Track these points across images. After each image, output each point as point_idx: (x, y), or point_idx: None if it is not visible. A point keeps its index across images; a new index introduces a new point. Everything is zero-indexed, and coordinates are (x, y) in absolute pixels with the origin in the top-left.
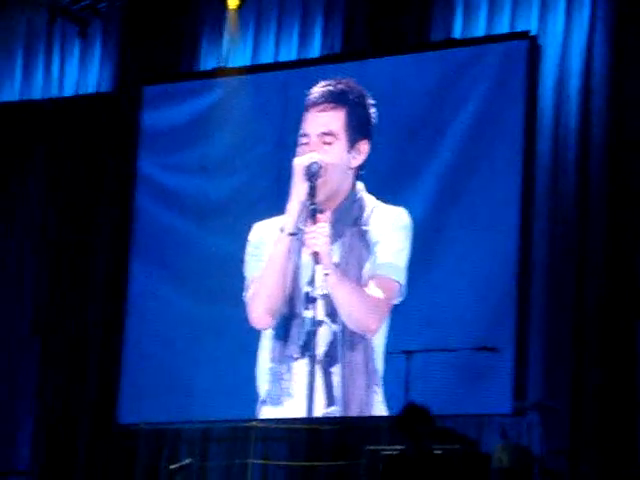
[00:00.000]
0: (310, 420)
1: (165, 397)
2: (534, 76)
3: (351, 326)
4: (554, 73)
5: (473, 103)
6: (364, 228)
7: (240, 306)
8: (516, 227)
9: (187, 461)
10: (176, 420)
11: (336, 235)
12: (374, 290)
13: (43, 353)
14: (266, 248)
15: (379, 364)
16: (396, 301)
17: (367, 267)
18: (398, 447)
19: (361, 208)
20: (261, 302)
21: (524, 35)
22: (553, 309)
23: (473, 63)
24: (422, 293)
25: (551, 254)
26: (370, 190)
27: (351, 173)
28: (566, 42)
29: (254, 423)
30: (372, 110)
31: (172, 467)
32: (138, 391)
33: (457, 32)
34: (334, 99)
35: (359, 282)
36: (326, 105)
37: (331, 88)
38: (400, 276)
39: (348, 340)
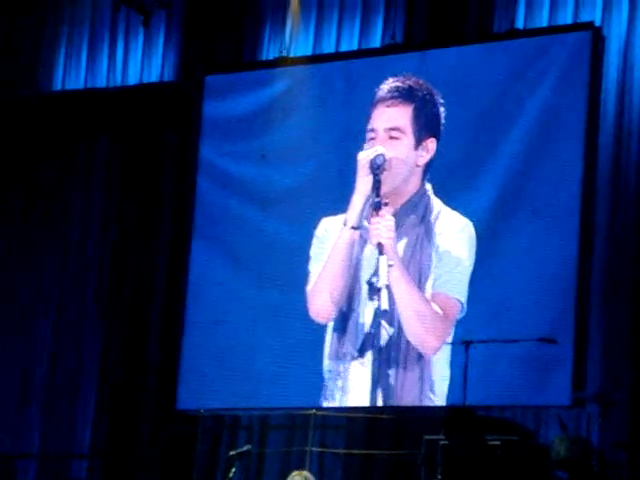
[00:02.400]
0: (369, 409)
1: (225, 383)
2: (598, 68)
3: (410, 337)
4: (618, 64)
5: (538, 95)
6: (429, 231)
7: (301, 295)
8: (577, 220)
9: (246, 447)
10: (235, 407)
11: (401, 234)
12: (438, 306)
13: (106, 338)
14: (329, 242)
15: (437, 381)
16: (457, 318)
17: (428, 280)
18: None
19: (427, 209)
20: (322, 295)
21: (588, 26)
22: (613, 301)
23: (538, 55)
24: (484, 285)
25: (611, 247)
26: (437, 192)
27: (418, 171)
28: (630, 33)
29: (313, 411)
30: (441, 109)
31: (231, 453)
32: (198, 377)
33: (520, 23)
34: (402, 95)
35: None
36: (394, 100)
37: (399, 84)
38: (463, 295)
39: (406, 346)
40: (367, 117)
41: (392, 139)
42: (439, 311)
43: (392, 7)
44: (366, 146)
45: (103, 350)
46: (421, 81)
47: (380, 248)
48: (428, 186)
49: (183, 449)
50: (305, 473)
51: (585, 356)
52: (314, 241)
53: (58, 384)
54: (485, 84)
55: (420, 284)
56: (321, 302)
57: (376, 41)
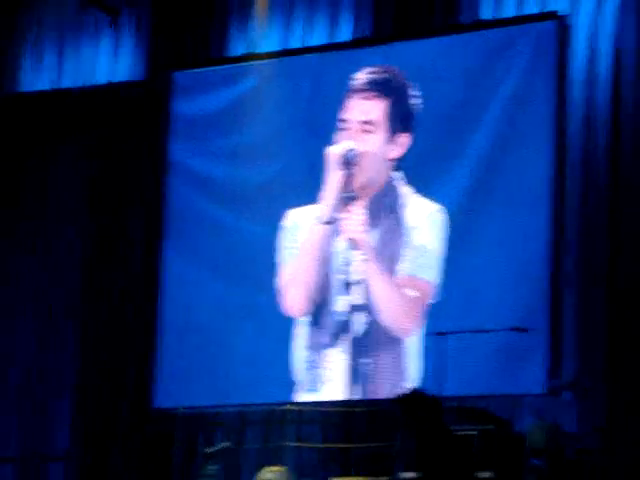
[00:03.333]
0: (344, 402)
1: (201, 381)
2: (564, 57)
3: (385, 322)
4: (584, 53)
5: (505, 86)
6: (400, 220)
7: (274, 292)
8: (548, 208)
9: (223, 444)
10: (212, 404)
11: (374, 223)
12: (409, 289)
13: (79, 339)
14: (300, 235)
15: (411, 365)
16: (430, 301)
17: (402, 264)
18: None
19: (396, 199)
20: (295, 290)
21: (553, 15)
22: (586, 288)
23: (505, 45)
24: (456, 276)
25: (583, 234)
26: (409, 180)
27: (389, 164)
28: (596, 22)
29: (288, 406)
30: (415, 102)
31: (209, 450)
32: (174, 375)
33: (486, 14)
34: (378, 88)
35: (392, 274)
36: (369, 93)
37: (375, 76)
38: (435, 277)
39: (381, 335)
40: (339, 106)
41: (365, 132)
42: (413, 294)
43: (359, 0)
44: (338, 135)
45: (78, 350)
46: (396, 71)
47: (352, 243)
48: (397, 175)
49: (160, 448)
50: (276, 468)
51: (559, 344)
52: (281, 233)
53: (33, 386)
54: (453, 75)
55: (392, 270)
56: (294, 297)
57: (344, 35)
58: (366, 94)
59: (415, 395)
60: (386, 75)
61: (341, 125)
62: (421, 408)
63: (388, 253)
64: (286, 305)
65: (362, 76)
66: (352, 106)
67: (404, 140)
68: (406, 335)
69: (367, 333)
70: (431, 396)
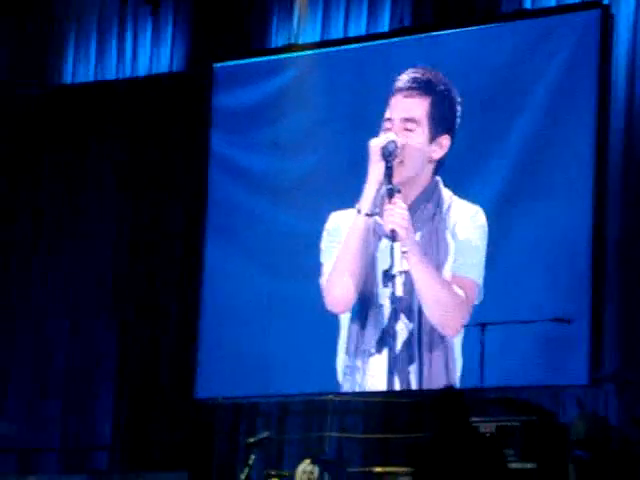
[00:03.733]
0: (386, 393)
1: (242, 372)
2: (607, 46)
3: (432, 319)
4: (627, 42)
5: (547, 76)
6: (443, 223)
7: (314, 284)
8: (590, 199)
9: (264, 434)
10: (253, 394)
11: (417, 226)
12: (456, 288)
13: (122, 331)
14: (341, 236)
15: (458, 364)
16: (476, 302)
17: (446, 265)
18: (473, 419)
19: (440, 201)
20: (337, 285)
21: (596, 4)
22: (628, 279)
23: (546, 35)
24: (498, 266)
25: (624, 224)
26: (446, 181)
27: (431, 166)
28: (639, 11)
29: (330, 397)
30: (458, 107)
31: (250, 440)
32: (215, 366)
33: (528, 2)
34: (420, 87)
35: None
36: (411, 92)
37: (418, 75)
38: (480, 278)
39: (426, 340)
40: (382, 105)
41: (407, 130)
42: (460, 293)
43: None
44: (381, 134)
45: (120, 342)
46: (440, 75)
47: (394, 234)
48: (438, 178)
49: (202, 437)
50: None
51: (601, 335)
52: (324, 235)
53: (76, 376)
54: (493, 66)
55: (438, 270)
56: (338, 292)
57: (384, 26)
58: (408, 92)
59: (445, 394)
60: (429, 75)
61: (385, 125)
62: (447, 407)
63: (432, 252)
64: (329, 301)
65: (405, 76)
66: (395, 105)
67: (445, 142)
68: (453, 334)
69: (410, 341)
70: (461, 396)
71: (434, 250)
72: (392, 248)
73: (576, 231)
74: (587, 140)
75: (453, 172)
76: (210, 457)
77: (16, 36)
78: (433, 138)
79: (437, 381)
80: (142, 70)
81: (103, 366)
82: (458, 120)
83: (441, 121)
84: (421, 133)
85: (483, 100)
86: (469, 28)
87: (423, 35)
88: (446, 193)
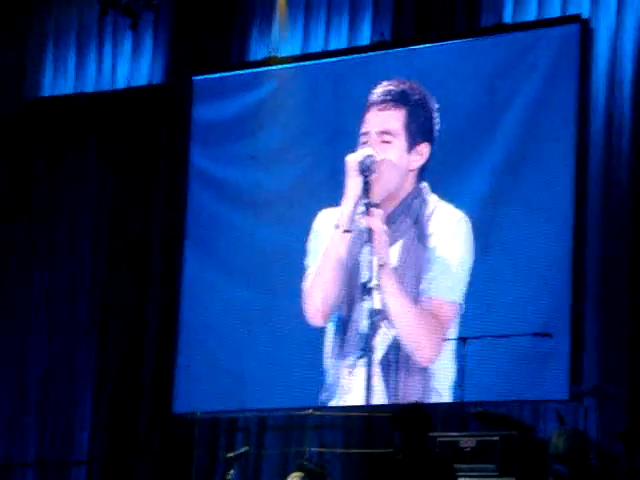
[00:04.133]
0: (366, 408)
1: (220, 386)
2: (587, 60)
3: (407, 348)
4: (607, 57)
5: (527, 89)
6: (423, 232)
7: (293, 297)
8: (571, 212)
9: (244, 449)
10: (232, 409)
11: (395, 237)
12: (434, 313)
13: (100, 344)
14: (324, 238)
15: (435, 372)
16: (455, 322)
17: (427, 283)
18: (453, 434)
19: (421, 209)
20: (317, 299)
21: (576, 19)
22: (609, 293)
23: (526, 49)
24: (479, 280)
25: (605, 239)
26: (434, 189)
27: (412, 175)
28: (619, 24)
29: (310, 411)
30: (435, 114)
31: (229, 455)
32: (194, 380)
33: (508, 17)
34: (394, 98)
35: (415, 295)
36: (386, 104)
37: (393, 88)
38: (460, 295)
39: (404, 353)
40: (359, 119)
41: (384, 143)
42: (438, 319)
43: (379, 4)
44: (358, 149)
45: (98, 355)
46: (415, 85)
47: (370, 234)
48: (424, 184)
49: (181, 452)
50: (298, 473)
51: (582, 349)
52: (312, 235)
53: (54, 391)
54: (474, 79)
55: (417, 288)
56: (317, 305)
57: (364, 39)
58: (383, 105)
59: (405, 409)
60: (403, 86)
61: (362, 139)
62: (407, 422)
63: (411, 267)
64: (309, 313)
65: (380, 89)
66: (370, 118)
67: (424, 149)
68: (428, 363)
69: (390, 347)
70: (423, 412)
71: (412, 263)
72: (370, 261)
73: (557, 246)
74: (567, 154)
75: (439, 181)
76: (189, 472)
77: None
78: (411, 148)
79: (414, 394)
80: (121, 82)
81: (81, 380)
82: (437, 127)
83: (418, 130)
84: (399, 144)
85: (464, 112)
86: (449, 42)
87: (403, 49)
88: (432, 198)
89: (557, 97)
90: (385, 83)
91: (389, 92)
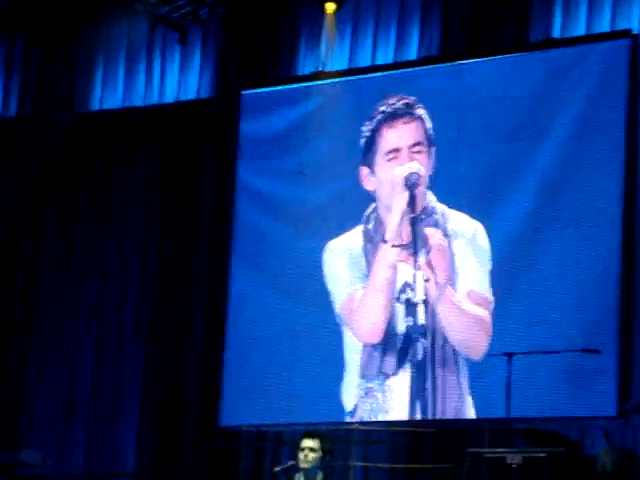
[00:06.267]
0: (412, 423)
1: (266, 399)
2: (636, 75)
3: (457, 344)
4: None
5: (575, 105)
6: (447, 236)
7: (334, 313)
8: (619, 228)
9: (290, 463)
10: (277, 422)
11: (421, 245)
12: (472, 305)
13: (147, 358)
14: (357, 264)
15: (476, 386)
16: (490, 318)
17: (458, 281)
18: (500, 450)
19: (436, 218)
20: (369, 316)
21: (626, 34)
22: None
23: (575, 64)
24: (524, 295)
25: None
26: (442, 199)
27: (427, 182)
28: None
29: (356, 425)
30: (429, 118)
31: (276, 469)
32: (240, 394)
33: (556, 32)
34: (412, 111)
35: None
36: (408, 117)
37: (405, 101)
38: (490, 291)
39: (440, 353)
40: (377, 138)
41: (416, 153)
42: (479, 312)
43: (427, 19)
44: (389, 164)
45: (145, 369)
46: (412, 97)
47: (416, 265)
48: (430, 194)
49: (227, 466)
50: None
51: (630, 366)
52: (324, 264)
53: (101, 404)
54: (521, 95)
55: (452, 287)
56: (370, 323)
57: (412, 54)
58: (405, 118)
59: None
60: (411, 98)
61: (390, 155)
62: None
63: (443, 272)
64: (361, 334)
65: (394, 103)
66: (396, 133)
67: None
68: (478, 355)
69: (430, 357)
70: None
71: (443, 266)
72: (414, 276)
73: (604, 259)
74: (616, 167)
75: (475, 196)
76: None
77: (45, 61)
78: (430, 156)
79: (451, 400)
80: (170, 97)
81: (128, 394)
82: (432, 132)
83: (429, 137)
84: (425, 154)
85: (508, 129)
86: (498, 57)
87: (450, 64)
88: (440, 206)
89: (605, 113)
90: (392, 98)
91: (407, 105)
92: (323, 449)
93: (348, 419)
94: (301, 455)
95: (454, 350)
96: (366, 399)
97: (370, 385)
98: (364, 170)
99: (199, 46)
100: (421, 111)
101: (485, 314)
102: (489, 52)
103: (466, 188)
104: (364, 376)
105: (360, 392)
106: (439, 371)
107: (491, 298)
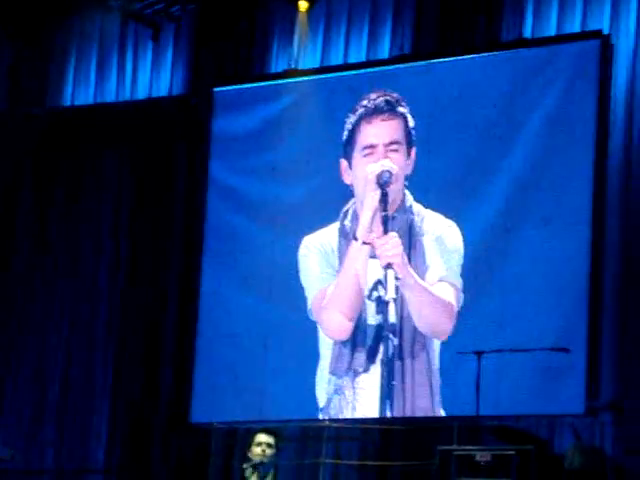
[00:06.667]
0: (383, 420)
1: (237, 397)
2: (607, 76)
3: (424, 329)
4: (626, 72)
5: (546, 104)
6: (419, 231)
7: (307, 309)
8: (588, 227)
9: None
10: (248, 419)
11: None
12: (443, 293)
13: (117, 353)
14: (328, 260)
15: (446, 384)
16: (457, 308)
17: (428, 273)
18: (469, 447)
19: (412, 217)
20: (339, 312)
21: (596, 34)
22: (626, 307)
23: (546, 64)
24: (493, 293)
25: (623, 253)
26: (418, 199)
27: (403, 181)
28: (638, 41)
29: (326, 423)
30: (411, 117)
31: (245, 466)
32: (210, 391)
33: (528, 32)
34: (393, 108)
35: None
36: (389, 114)
37: (387, 97)
38: (460, 282)
39: (409, 351)
40: (356, 132)
41: (392, 152)
42: (448, 299)
43: (400, 18)
44: (364, 160)
45: (115, 365)
46: (396, 94)
47: (389, 267)
48: (407, 193)
49: (197, 462)
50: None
51: (598, 364)
52: (299, 259)
53: (71, 400)
54: (491, 94)
55: (422, 278)
56: (338, 321)
57: (384, 52)
58: (384, 115)
59: None
60: (395, 96)
61: (366, 151)
62: None
63: (415, 267)
64: (329, 330)
65: (376, 100)
66: (373, 130)
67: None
68: (445, 336)
69: (395, 356)
70: None
71: (415, 262)
72: (386, 275)
73: (574, 258)
74: (586, 167)
75: (444, 195)
76: None
77: (16, 57)
78: (408, 154)
79: (424, 406)
80: (142, 93)
81: (98, 390)
82: (414, 132)
83: (409, 135)
84: (402, 152)
85: (480, 127)
86: (469, 56)
87: (423, 62)
88: (416, 206)
89: (575, 113)
90: (375, 94)
91: (387, 102)
92: (277, 446)
93: (320, 416)
94: (258, 449)
95: (424, 346)
96: (336, 396)
97: (339, 382)
98: (343, 163)
99: (171, 43)
100: (403, 109)
101: (452, 300)
102: (461, 51)
103: (440, 186)
104: (334, 373)
105: (330, 389)
106: (408, 369)
107: (460, 287)
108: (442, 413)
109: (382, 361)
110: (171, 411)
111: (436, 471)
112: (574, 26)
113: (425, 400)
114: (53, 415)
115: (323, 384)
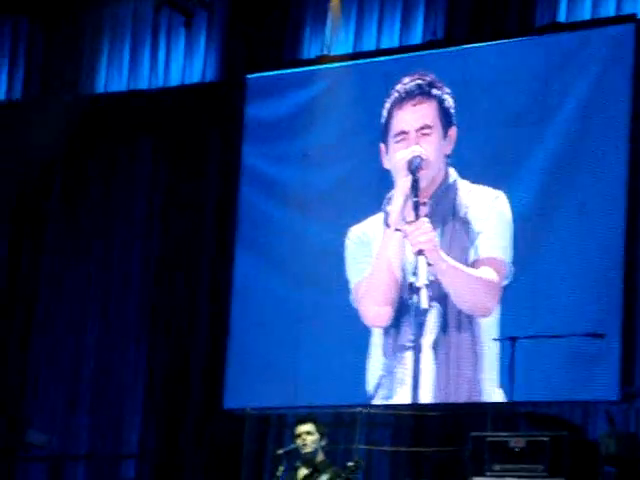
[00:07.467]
0: (415, 406)
1: (270, 382)
2: None
3: (465, 309)
4: None
5: (580, 89)
6: (463, 214)
7: (343, 295)
8: (623, 213)
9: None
10: (281, 405)
11: (437, 223)
12: (484, 271)
13: (151, 340)
14: (365, 249)
15: (485, 349)
16: (506, 281)
17: (472, 252)
18: (502, 433)
19: (456, 194)
20: (374, 300)
21: (631, 18)
22: None
23: (579, 48)
24: (528, 280)
25: None
26: (465, 175)
27: (444, 160)
28: None
29: (359, 409)
30: (450, 99)
31: (279, 452)
32: (244, 376)
33: (562, 16)
34: (424, 91)
35: (466, 265)
36: (420, 98)
37: (418, 82)
38: (507, 255)
39: (454, 326)
40: (391, 118)
41: (424, 136)
42: (491, 276)
43: (432, 3)
44: (397, 146)
45: (149, 352)
46: (432, 75)
47: (421, 254)
48: (452, 171)
49: (230, 448)
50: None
51: (633, 350)
52: (346, 249)
53: (106, 385)
54: (526, 79)
55: (466, 259)
56: (376, 308)
57: (417, 38)
58: (415, 100)
59: None
60: (428, 79)
61: (399, 137)
62: None
63: (457, 247)
64: (368, 318)
65: (407, 85)
66: (405, 115)
67: (453, 133)
68: (489, 314)
69: (441, 330)
70: None
71: (457, 241)
72: (417, 261)
73: (609, 244)
74: (621, 153)
75: (482, 179)
76: (238, 467)
77: (49, 46)
78: (445, 134)
79: (464, 367)
80: (174, 80)
81: (132, 376)
82: (453, 111)
83: (446, 116)
84: (436, 134)
85: (514, 112)
86: (502, 41)
87: (456, 48)
88: (462, 183)
89: (610, 97)
90: (407, 79)
91: (419, 86)
92: (319, 431)
93: (367, 401)
94: (299, 441)
95: (469, 324)
96: (378, 380)
97: (385, 365)
98: (382, 147)
99: (204, 29)
100: (437, 91)
101: (495, 278)
102: (494, 36)
103: (483, 163)
104: (379, 357)
105: (375, 373)
106: (452, 349)
107: (509, 259)
108: (483, 397)
109: (417, 347)
110: (204, 397)
111: (469, 457)
112: (608, 10)
113: (466, 385)
114: (88, 401)
115: (368, 369)
